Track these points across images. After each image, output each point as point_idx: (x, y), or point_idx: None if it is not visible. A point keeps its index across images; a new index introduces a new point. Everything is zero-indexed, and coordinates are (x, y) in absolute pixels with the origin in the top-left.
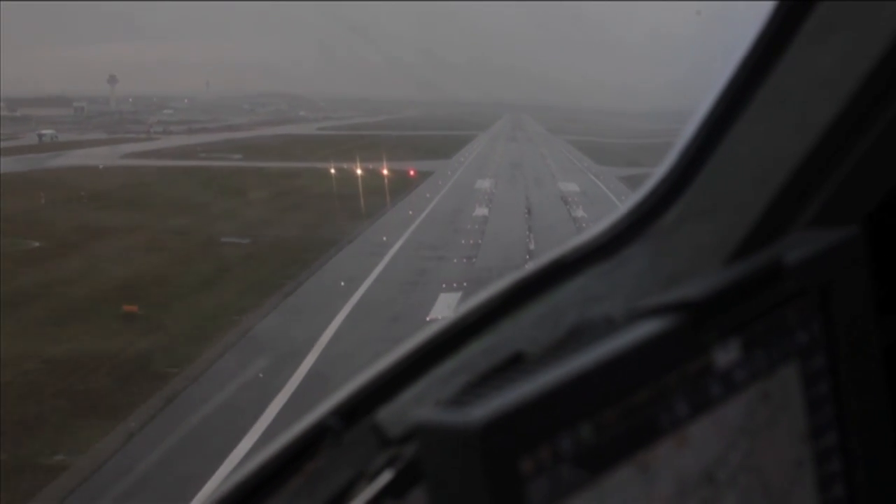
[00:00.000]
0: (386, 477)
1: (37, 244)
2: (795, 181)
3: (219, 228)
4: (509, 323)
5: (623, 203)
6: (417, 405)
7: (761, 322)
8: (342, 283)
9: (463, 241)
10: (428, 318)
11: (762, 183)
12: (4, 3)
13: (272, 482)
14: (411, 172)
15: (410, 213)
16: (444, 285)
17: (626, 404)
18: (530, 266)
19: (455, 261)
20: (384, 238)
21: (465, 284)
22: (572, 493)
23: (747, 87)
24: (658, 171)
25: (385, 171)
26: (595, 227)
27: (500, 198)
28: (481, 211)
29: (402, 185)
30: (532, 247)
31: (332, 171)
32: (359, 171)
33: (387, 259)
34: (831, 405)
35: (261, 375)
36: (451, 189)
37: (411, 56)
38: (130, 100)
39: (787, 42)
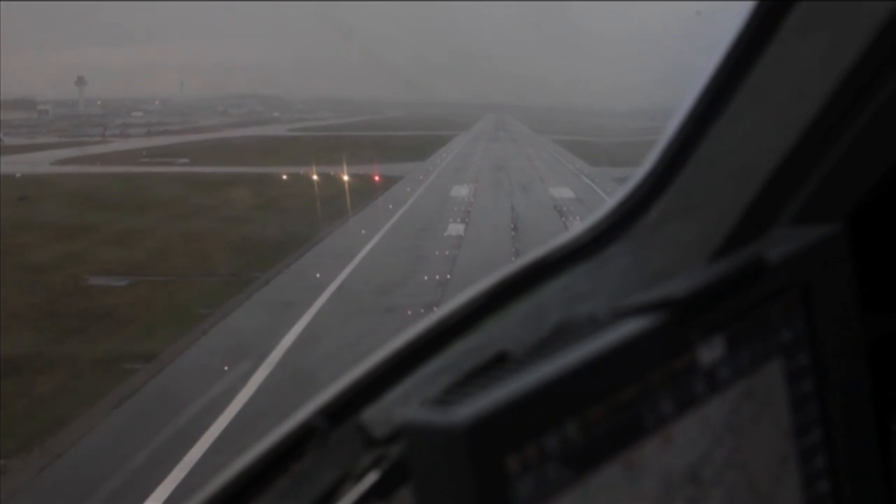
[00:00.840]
0: (372, 477)
1: None
2: (777, 178)
3: (94, 262)
4: (494, 322)
5: (606, 201)
6: (403, 405)
7: (745, 319)
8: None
9: (424, 278)
10: None
11: (744, 180)
12: None
13: (258, 483)
14: (376, 178)
15: (363, 232)
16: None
17: (612, 402)
18: (514, 265)
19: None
20: (301, 293)
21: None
22: (559, 492)
23: (729, 84)
24: (641, 170)
25: (345, 177)
26: (578, 225)
27: (481, 209)
28: (455, 229)
29: (361, 195)
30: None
31: (284, 177)
32: (314, 178)
33: (287, 342)
34: (815, 402)
35: None
36: (421, 198)
37: (396, 57)
38: (99, 102)
39: (768, 39)
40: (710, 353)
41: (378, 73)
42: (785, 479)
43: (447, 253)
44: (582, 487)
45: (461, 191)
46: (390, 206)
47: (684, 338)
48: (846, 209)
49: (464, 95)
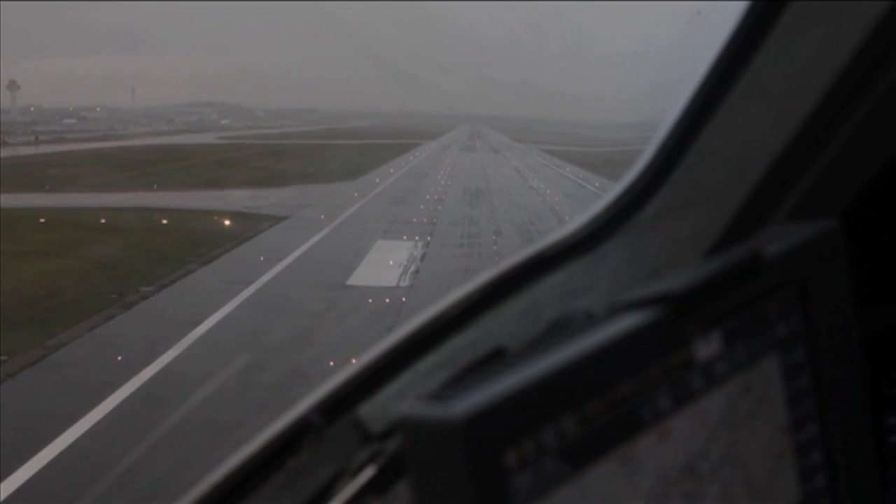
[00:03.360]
0: (369, 472)
1: None
2: (774, 174)
3: None
4: (490, 318)
5: (604, 197)
6: (399, 400)
7: (741, 315)
8: None
9: None
10: None
11: (741, 176)
12: None
13: (254, 478)
14: (226, 222)
15: None
16: None
17: (609, 397)
18: (510, 261)
19: None
20: None
21: None
22: (556, 486)
23: (724, 80)
24: (637, 166)
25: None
26: (575, 221)
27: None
28: None
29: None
30: None
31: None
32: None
33: None
34: (812, 397)
35: None
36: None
37: (372, 68)
38: (32, 109)
39: (764, 35)
40: (706, 348)
41: (354, 85)
42: (782, 473)
43: None
44: (579, 482)
45: (384, 261)
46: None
47: (681, 333)
48: (842, 205)
49: (439, 107)
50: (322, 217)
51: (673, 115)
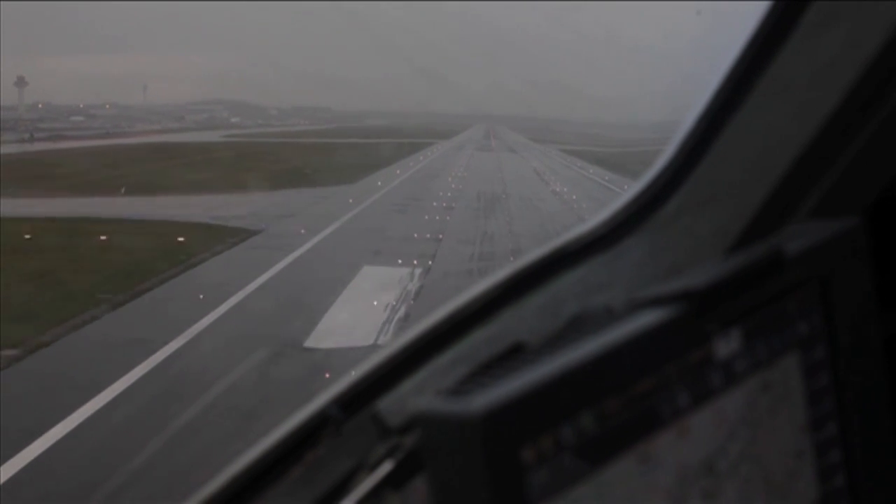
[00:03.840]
0: (386, 467)
1: None
2: (796, 171)
3: None
4: (509, 313)
5: (625, 193)
6: (418, 395)
7: (762, 312)
8: None
9: None
10: None
11: (763, 173)
12: None
13: (272, 471)
14: (181, 238)
15: None
16: None
17: (628, 394)
18: (530, 256)
19: None
20: None
21: None
22: (573, 483)
23: (748, 76)
24: (658, 161)
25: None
26: (596, 217)
27: None
28: None
29: None
30: None
31: None
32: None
33: None
34: (832, 396)
35: None
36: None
37: (388, 66)
38: (40, 105)
39: (788, 31)
40: (726, 345)
41: (366, 82)
42: (801, 472)
43: None
44: (597, 479)
45: (365, 299)
46: None
47: (701, 330)
48: (865, 203)
49: (456, 107)
50: (302, 231)
51: (695, 111)
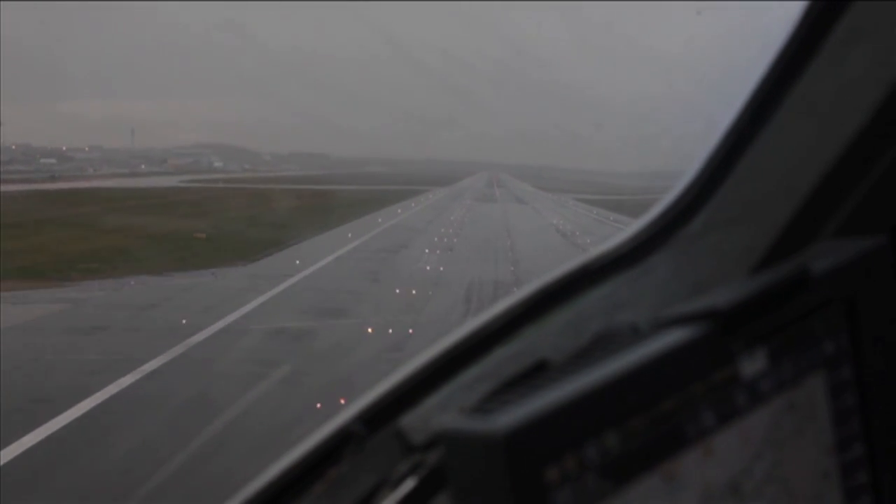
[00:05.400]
0: (409, 484)
1: None
2: (822, 190)
3: None
4: (533, 330)
5: (651, 211)
6: (441, 412)
7: (788, 332)
8: None
9: None
10: None
11: (789, 191)
12: None
13: (295, 487)
14: None
15: None
16: None
17: (652, 413)
18: (555, 272)
19: None
20: None
21: None
22: (598, 503)
23: (774, 94)
24: (684, 179)
25: None
26: (621, 234)
27: None
28: None
29: None
30: None
31: None
32: None
33: None
34: (858, 416)
35: None
36: None
37: (387, 115)
38: (13, 147)
39: (814, 50)
40: (752, 365)
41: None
42: (827, 494)
43: None
44: (621, 498)
45: None
46: None
47: (726, 349)
48: (893, 222)
49: (457, 154)
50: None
51: (721, 130)
